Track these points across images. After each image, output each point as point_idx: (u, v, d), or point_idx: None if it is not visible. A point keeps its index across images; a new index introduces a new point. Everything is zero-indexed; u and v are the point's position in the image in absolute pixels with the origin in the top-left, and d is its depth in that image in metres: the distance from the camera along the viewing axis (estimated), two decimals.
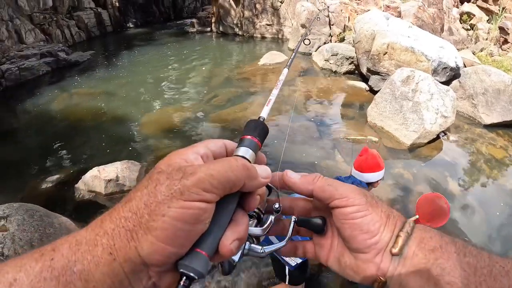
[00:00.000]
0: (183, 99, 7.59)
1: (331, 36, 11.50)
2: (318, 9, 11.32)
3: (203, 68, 10.29)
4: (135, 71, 10.06)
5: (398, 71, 6.77)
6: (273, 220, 0.53)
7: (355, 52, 9.21)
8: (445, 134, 6.75)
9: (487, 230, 4.39)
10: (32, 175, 4.87)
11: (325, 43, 11.03)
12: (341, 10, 11.66)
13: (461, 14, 16.90)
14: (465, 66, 9.06)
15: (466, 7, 17.29)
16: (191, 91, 8.36)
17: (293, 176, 0.51)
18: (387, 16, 9.11)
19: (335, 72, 9.57)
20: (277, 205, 0.53)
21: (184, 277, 0.37)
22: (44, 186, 4.51)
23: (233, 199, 0.42)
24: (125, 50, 12.65)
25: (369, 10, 10.71)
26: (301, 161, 5.07)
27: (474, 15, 16.88)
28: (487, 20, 16.70)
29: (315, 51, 10.86)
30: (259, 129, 0.50)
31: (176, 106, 7.11)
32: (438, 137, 6.50)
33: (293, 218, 0.55)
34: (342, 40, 11.26)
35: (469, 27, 16.73)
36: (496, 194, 5.27)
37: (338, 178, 2.75)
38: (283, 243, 0.53)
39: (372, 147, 5.76)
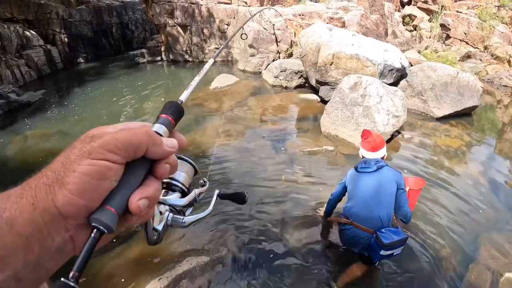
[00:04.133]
0: None
1: (279, 53, 11.71)
2: (264, 28, 11.51)
3: (157, 98, 10.23)
4: (89, 107, 9.87)
5: (345, 79, 6.91)
6: (196, 193, 0.60)
7: (303, 66, 9.38)
8: (399, 133, 6.88)
9: (456, 219, 4.46)
10: None
11: (273, 60, 11.21)
12: (287, 27, 11.94)
13: (403, 17, 17.69)
14: (412, 65, 9.40)
15: (408, 9, 18.14)
16: (146, 122, 8.20)
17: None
18: (330, 27, 9.37)
19: (286, 87, 9.69)
20: (201, 181, 0.62)
21: (95, 230, 0.41)
22: None
23: (142, 165, 0.46)
24: (78, 87, 12.43)
25: (313, 23, 10.99)
26: (260, 180, 5.01)
27: (415, 17, 17.70)
28: (429, 20, 17.55)
29: (265, 69, 11.01)
30: (173, 109, 0.56)
31: None
32: (393, 137, 6.62)
33: (216, 191, 0.65)
34: (290, 55, 11.48)
35: (412, 28, 17.51)
36: (458, 182, 5.39)
37: (363, 166, 3.19)
38: (205, 213, 0.61)
39: (329, 156, 5.81)
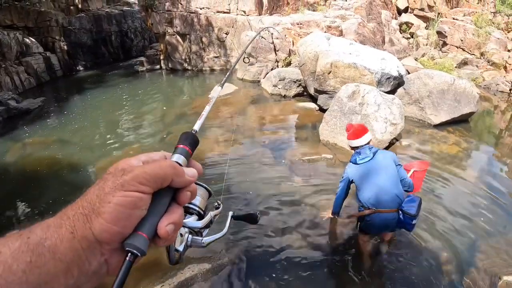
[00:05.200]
0: (137, 140, 7.51)
1: (278, 62, 11.81)
2: (262, 37, 11.62)
3: (156, 107, 10.29)
4: (87, 116, 9.92)
5: (343, 87, 7.00)
6: (212, 215, 0.65)
7: (302, 75, 9.47)
8: (397, 140, 6.96)
9: (454, 223, 4.52)
10: None
11: (272, 69, 11.30)
12: (285, 35, 12.05)
13: (400, 25, 17.84)
14: (409, 73, 9.50)
15: (404, 17, 18.29)
16: (145, 131, 8.30)
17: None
18: (328, 36, 9.48)
19: (285, 96, 9.77)
20: (216, 204, 0.67)
21: (129, 254, 0.46)
22: None
23: (167, 194, 0.51)
24: (77, 95, 12.49)
25: (311, 32, 11.10)
26: (259, 188, 5.08)
27: (412, 24, 17.86)
28: (425, 27, 17.70)
29: (263, 78, 11.11)
30: (190, 139, 0.61)
31: (131, 148, 7.00)
32: (390, 144, 6.69)
33: (230, 213, 0.71)
34: (288, 64, 11.57)
35: (409, 36, 17.65)
36: (456, 188, 5.47)
37: (360, 157, 3.40)
38: (221, 234, 0.67)
39: (328, 164, 5.88)
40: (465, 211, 4.84)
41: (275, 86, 9.88)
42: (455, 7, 17.89)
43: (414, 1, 18.25)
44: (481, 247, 4.14)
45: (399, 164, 3.43)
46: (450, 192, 5.29)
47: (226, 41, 13.97)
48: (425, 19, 18.00)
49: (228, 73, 0.95)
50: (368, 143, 3.47)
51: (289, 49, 11.88)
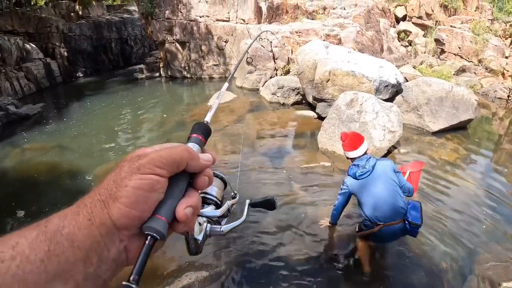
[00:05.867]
0: (136, 146, 7.53)
1: (276, 70, 11.89)
2: (262, 45, 11.70)
3: (155, 114, 10.33)
4: (87, 122, 9.94)
5: (341, 95, 7.03)
6: (229, 205, 0.66)
7: (300, 83, 9.53)
8: (396, 148, 6.98)
9: (454, 230, 4.53)
10: None
11: (271, 77, 11.37)
12: (284, 44, 12.14)
13: (399, 33, 17.97)
14: (407, 81, 9.55)
15: (402, 25, 18.42)
16: (144, 138, 8.32)
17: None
18: (327, 44, 9.55)
19: (283, 104, 9.82)
20: (232, 193, 0.69)
21: (149, 237, 0.46)
22: None
23: (184, 178, 0.51)
24: (76, 101, 12.52)
25: (310, 40, 11.18)
26: (255, 195, 5.06)
27: (410, 32, 17.99)
28: (423, 35, 17.82)
29: (262, 86, 11.15)
30: (202, 129, 0.63)
31: (131, 153, 7.03)
32: (389, 152, 6.72)
33: (247, 201, 0.72)
34: (287, 72, 11.64)
35: (407, 44, 17.78)
36: (455, 195, 5.48)
37: (360, 172, 3.36)
38: (240, 221, 0.66)
39: (326, 172, 5.90)
40: (464, 217, 4.85)
41: (273, 94, 9.93)
42: (453, 15, 18.02)
43: (412, 9, 18.40)
44: (481, 254, 4.15)
45: (398, 171, 3.44)
46: (449, 199, 5.31)
47: (225, 49, 14.07)
48: (423, 27, 18.13)
49: (232, 73, 0.98)
50: (365, 153, 3.45)
51: (288, 58, 11.96)
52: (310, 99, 8.89)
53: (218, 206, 0.64)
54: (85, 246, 0.42)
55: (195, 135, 0.62)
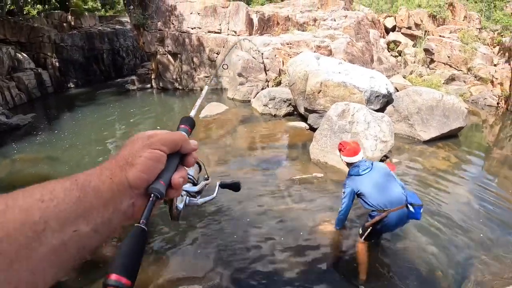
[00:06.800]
0: None
1: (268, 82, 11.93)
2: (253, 57, 11.75)
3: (147, 126, 10.29)
4: (78, 133, 9.85)
5: (333, 106, 7.06)
6: (203, 184, 0.81)
7: (292, 94, 9.54)
8: (388, 157, 7.02)
9: (447, 239, 4.54)
10: None
11: (262, 88, 11.39)
12: (275, 55, 12.21)
13: (388, 43, 18.22)
14: (398, 90, 9.65)
15: (392, 36, 18.68)
16: None
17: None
18: (317, 56, 9.62)
19: (275, 115, 9.82)
20: (206, 176, 0.81)
21: (153, 195, 0.58)
22: None
23: (177, 156, 0.64)
24: (67, 112, 12.42)
25: (301, 52, 11.26)
26: (251, 209, 5.05)
27: (400, 42, 18.24)
28: (413, 45, 18.07)
29: (254, 97, 11.16)
30: (190, 122, 0.77)
31: None
32: (381, 162, 6.73)
33: (218, 182, 0.86)
34: (278, 84, 11.68)
35: (397, 54, 18.02)
36: (448, 203, 5.50)
37: (362, 169, 3.79)
38: (211, 197, 0.83)
39: (319, 182, 5.91)
40: (458, 225, 4.88)
41: (265, 105, 9.93)
42: (442, 25, 18.30)
43: (402, 20, 18.67)
44: (475, 260, 4.17)
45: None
46: (442, 207, 5.33)
47: (217, 61, 14.11)
48: (412, 37, 18.40)
49: (216, 71, 1.09)
50: (362, 157, 3.96)
51: (279, 69, 12.02)
52: (301, 110, 8.92)
53: (194, 184, 0.79)
54: (106, 196, 0.53)
55: (183, 125, 0.76)
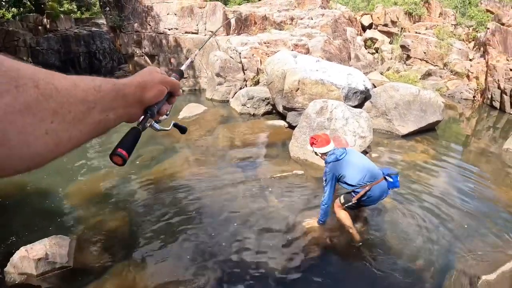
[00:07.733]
0: (107, 164, 7.29)
1: (246, 81, 11.85)
2: (231, 56, 11.68)
3: (125, 130, 10.02)
4: None
5: (311, 104, 7.06)
6: (165, 117, 0.97)
7: (270, 93, 9.55)
8: (367, 153, 7.06)
9: (428, 230, 4.58)
10: None
11: (241, 88, 11.30)
12: (253, 55, 12.17)
13: (365, 41, 18.43)
14: (375, 87, 9.75)
15: (369, 33, 18.91)
16: None
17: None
18: (295, 54, 9.64)
19: (254, 115, 9.78)
20: (168, 113, 0.96)
21: (148, 113, 0.81)
22: None
23: (168, 94, 0.87)
24: None
25: (279, 51, 11.26)
26: (232, 208, 4.99)
27: (377, 40, 18.48)
28: (389, 42, 18.33)
29: (232, 97, 11.10)
30: (179, 72, 1.04)
31: (101, 172, 6.72)
32: None
33: (173, 122, 1.05)
34: (257, 83, 11.63)
35: (374, 51, 18.25)
36: (427, 195, 5.58)
37: (339, 154, 4.16)
38: (166, 129, 0.99)
39: (299, 180, 5.90)
40: (438, 216, 4.93)
41: (244, 105, 9.87)
42: (418, 22, 18.63)
43: (378, 17, 18.93)
44: (456, 250, 4.22)
45: None
46: (422, 199, 5.39)
47: (195, 62, 13.99)
48: (389, 34, 18.66)
49: (189, 60, 1.25)
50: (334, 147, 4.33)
51: (257, 68, 11.97)
52: (280, 109, 8.91)
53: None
54: (129, 101, 0.72)
55: (175, 74, 1.01)
